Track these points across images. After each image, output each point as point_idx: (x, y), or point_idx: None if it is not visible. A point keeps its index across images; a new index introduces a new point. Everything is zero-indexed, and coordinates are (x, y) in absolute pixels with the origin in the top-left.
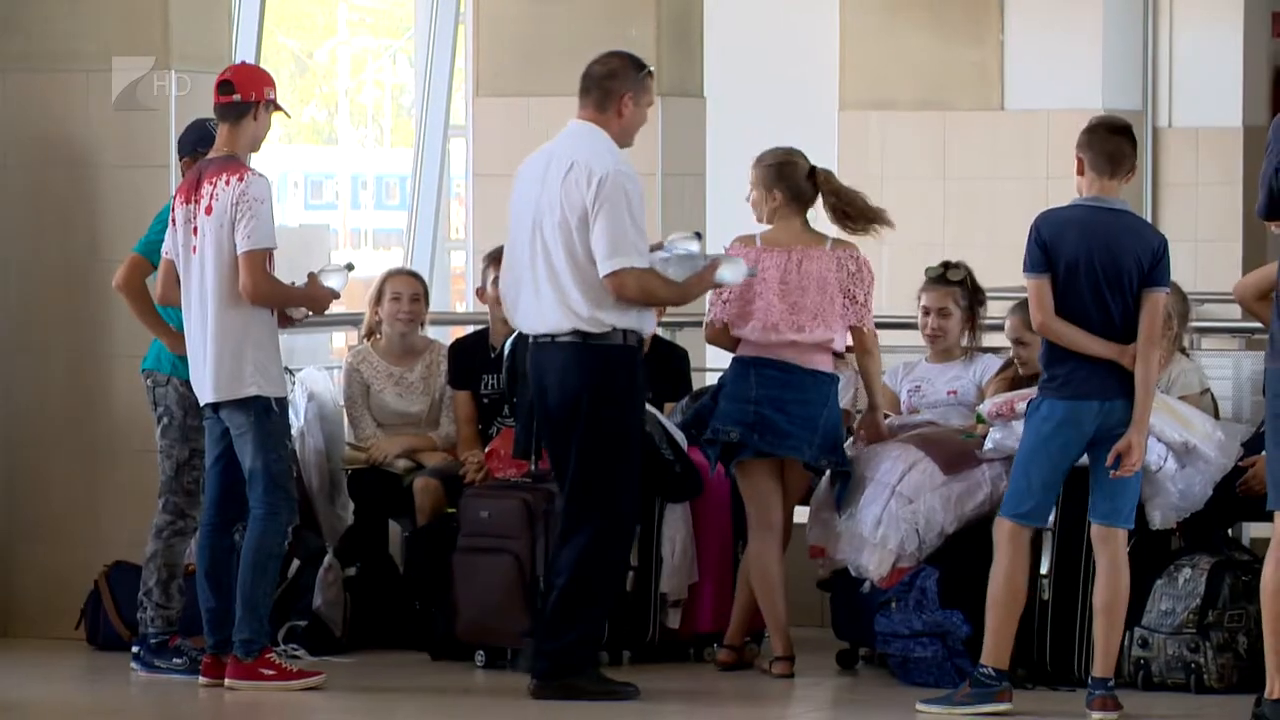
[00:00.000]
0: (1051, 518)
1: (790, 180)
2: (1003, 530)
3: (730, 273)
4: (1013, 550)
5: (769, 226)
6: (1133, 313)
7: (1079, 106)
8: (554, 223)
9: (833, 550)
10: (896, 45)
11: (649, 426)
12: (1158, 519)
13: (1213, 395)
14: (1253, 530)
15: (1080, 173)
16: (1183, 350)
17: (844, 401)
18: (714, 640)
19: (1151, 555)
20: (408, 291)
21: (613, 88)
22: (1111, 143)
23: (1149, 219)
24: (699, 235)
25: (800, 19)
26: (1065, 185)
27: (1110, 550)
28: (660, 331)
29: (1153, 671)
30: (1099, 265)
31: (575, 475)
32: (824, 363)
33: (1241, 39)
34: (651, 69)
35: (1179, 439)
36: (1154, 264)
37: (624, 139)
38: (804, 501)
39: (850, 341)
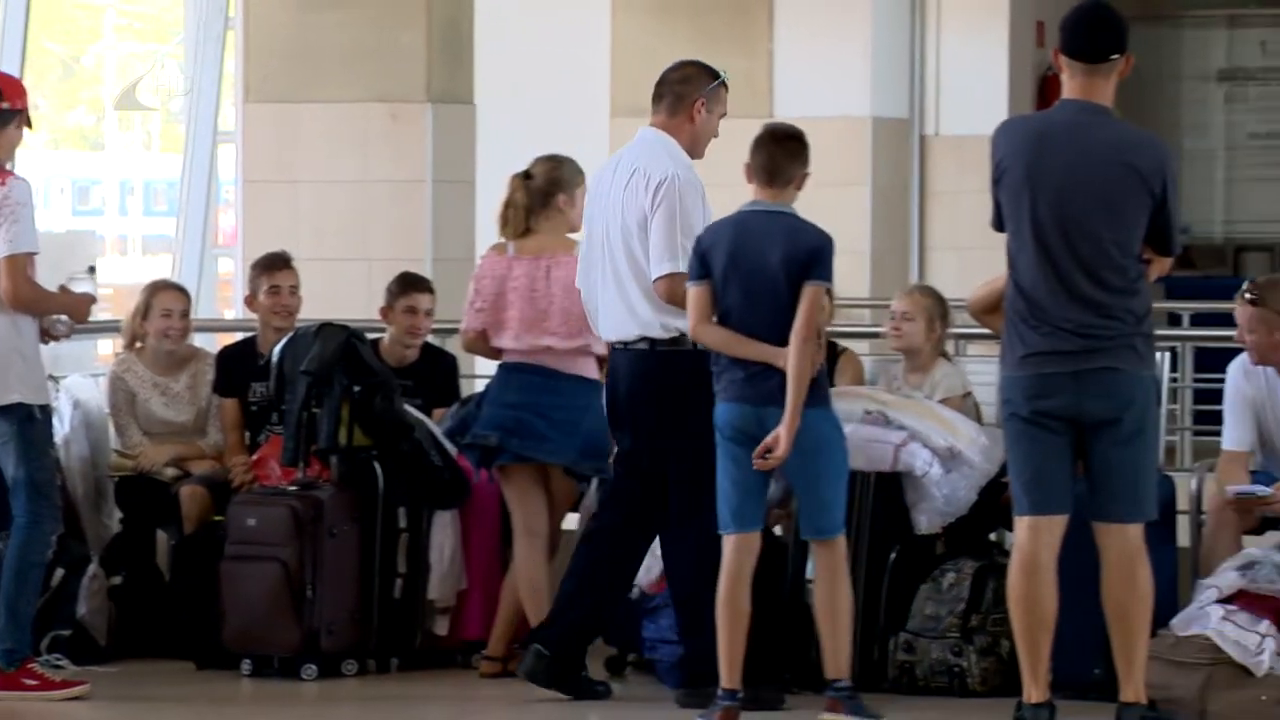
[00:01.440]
0: None
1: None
2: (726, 545)
3: None
4: (736, 564)
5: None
6: (790, 315)
7: (847, 114)
8: (618, 229)
9: None
10: (666, 53)
11: (418, 433)
12: (923, 524)
13: (975, 400)
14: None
15: (749, 180)
16: (945, 355)
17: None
18: (482, 647)
19: (916, 560)
20: (178, 308)
21: (685, 93)
22: (762, 154)
23: (915, 226)
24: None
25: (571, 26)
26: (835, 192)
27: (830, 557)
28: (430, 338)
29: (917, 675)
30: (749, 269)
31: (677, 481)
32: (587, 368)
33: (1007, 48)
34: (726, 79)
35: (944, 444)
36: (809, 262)
37: (695, 147)
38: (575, 508)
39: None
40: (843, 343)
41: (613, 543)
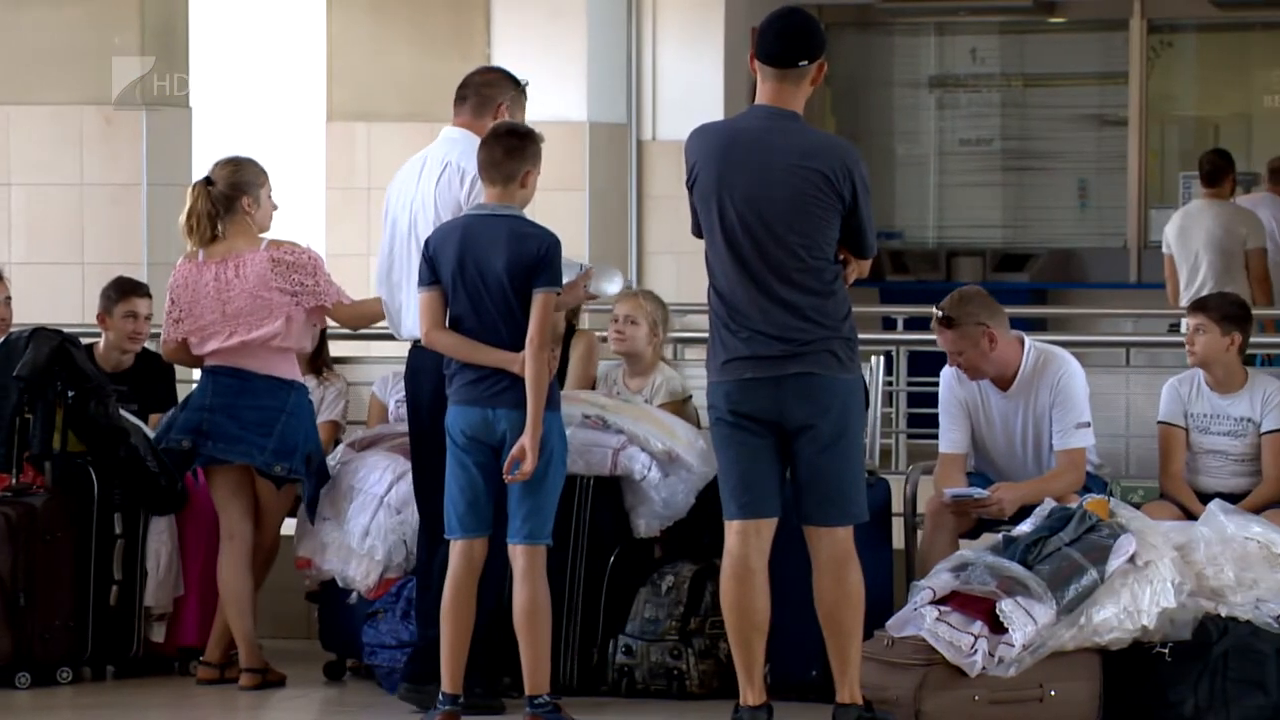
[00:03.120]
0: None
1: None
2: (453, 550)
3: (607, 284)
4: (462, 569)
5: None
6: (524, 317)
7: (565, 119)
8: (427, 223)
9: (321, 561)
10: (383, 57)
11: (134, 438)
12: (642, 527)
13: (695, 404)
14: None
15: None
16: (664, 359)
17: (335, 413)
18: (199, 653)
19: (635, 563)
20: None
21: (490, 96)
22: (484, 152)
23: (633, 230)
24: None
25: (288, 29)
26: (553, 196)
27: (533, 565)
28: (147, 344)
29: (636, 679)
30: (476, 274)
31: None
32: (284, 368)
33: (722, 54)
34: (527, 85)
35: (662, 448)
36: (535, 268)
37: None
38: (294, 512)
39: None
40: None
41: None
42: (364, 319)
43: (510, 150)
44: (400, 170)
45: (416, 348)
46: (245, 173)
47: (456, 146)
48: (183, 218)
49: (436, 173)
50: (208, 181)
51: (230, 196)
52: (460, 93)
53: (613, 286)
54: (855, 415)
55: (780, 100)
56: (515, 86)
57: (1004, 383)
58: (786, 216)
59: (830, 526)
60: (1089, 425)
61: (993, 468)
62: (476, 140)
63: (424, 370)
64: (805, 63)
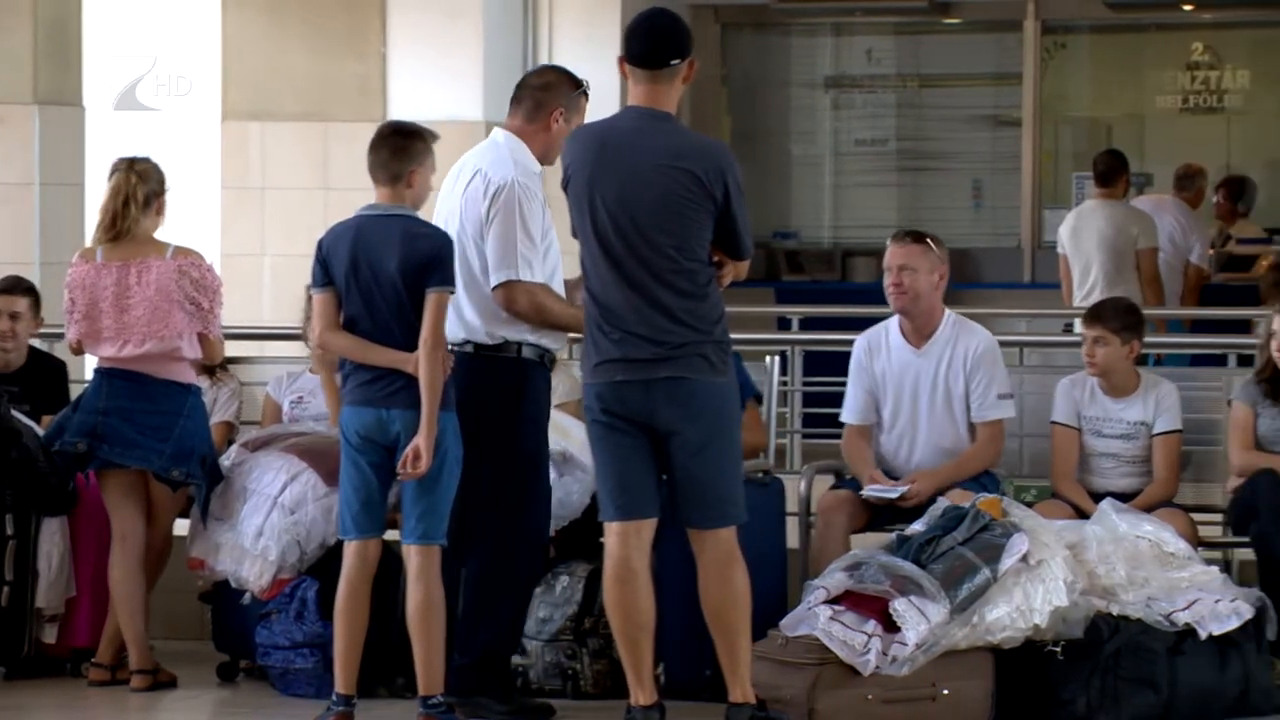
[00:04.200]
0: None
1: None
2: (347, 551)
3: None
4: (356, 570)
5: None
6: (418, 317)
7: (461, 118)
8: (454, 234)
9: (214, 562)
10: (278, 56)
11: (26, 439)
12: None
13: None
14: None
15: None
16: (560, 359)
17: (228, 414)
18: (91, 655)
19: None
20: None
21: (545, 100)
22: (371, 154)
23: None
24: None
25: (182, 29)
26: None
27: (427, 565)
28: (38, 342)
29: (531, 679)
30: (369, 275)
31: (484, 490)
32: (181, 373)
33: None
34: (588, 89)
35: (557, 448)
36: (427, 268)
37: (548, 154)
38: (186, 513)
39: (201, 351)
40: None
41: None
42: (219, 356)
43: (396, 150)
44: (449, 172)
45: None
46: (160, 173)
47: (489, 154)
48: (108, 201)
49: (466, 180)
50: (130, 175)
51: (154, 193)
52: (516, 93)
53: None
54: (728, 419)
55: (652, 101)
56: (575, 88)
57: (920, 337)
58: (657, 217)
59: (710, 529)
60: (1011, 397)
61: (897, 438)
62: (519, 147)
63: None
64: (676, 61)
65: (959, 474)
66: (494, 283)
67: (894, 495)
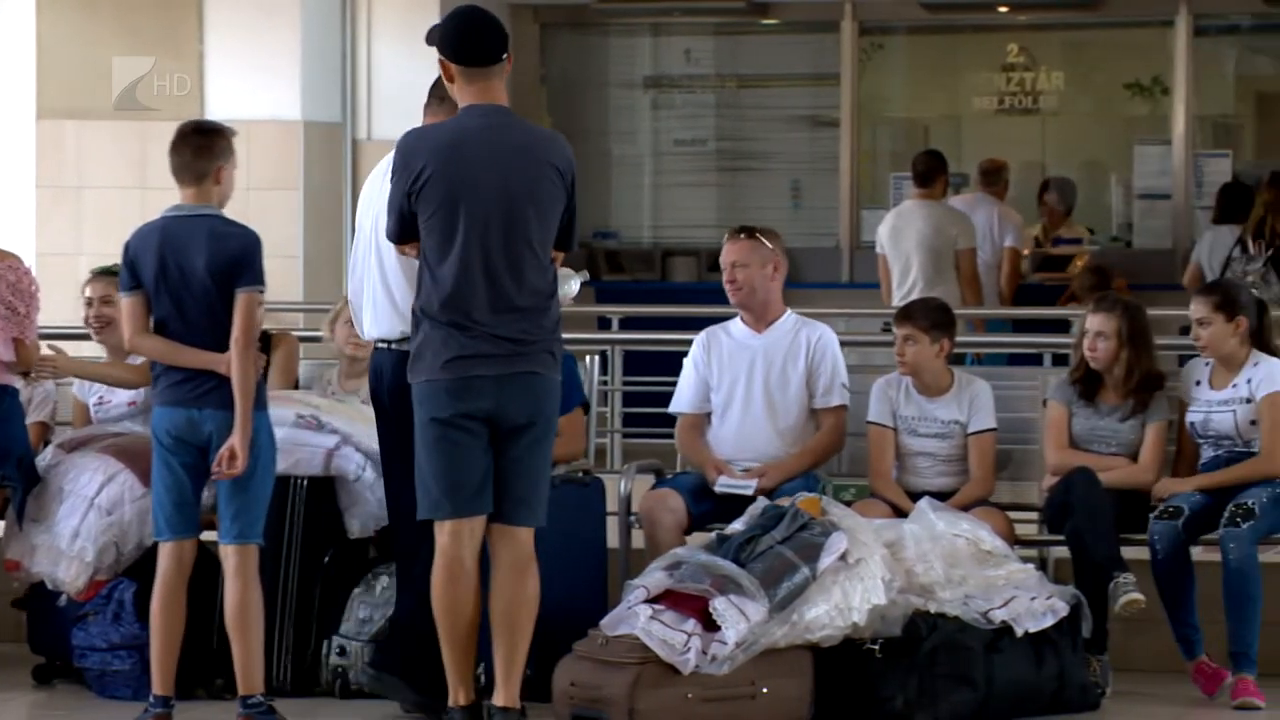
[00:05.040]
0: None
1: None
2: (162, 552)
3: (572, 284)
4: (171, 571)
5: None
6: (227, 317)
7: (279, 118)
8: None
9: (29, 564)
10: (95, 53)
11: None
12: (356, 528)
13: None
14: None
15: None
16: None
17: (43, 414)
18: None
19: (349, 564)
20: None
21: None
22: (173, 154)
23: (347, 229)
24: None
25: None
26: (267, 195)
27: (244, 565)
28: None
29: (350, 680)
30: (178, 276)
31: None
32: None
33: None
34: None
35: (376, 448)
36: (236, 267)
37: None
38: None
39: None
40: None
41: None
42: (34, 361)
43: (199, 149)
44: (374, 171)
45: (379, 347)
46: None
47: None
48: None
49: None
50: None
51: None
52: (431, 92)
53: (573, 286)
54: (556, 419)
55: (490, 97)
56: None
57: (761, 325)
58: (530, 214)
59: (516, 526)
60: (849, 389)
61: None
62: None
63: (382, 369)
64: (505, 55)
65: (806, 464)
66: None
67: (749, 490)
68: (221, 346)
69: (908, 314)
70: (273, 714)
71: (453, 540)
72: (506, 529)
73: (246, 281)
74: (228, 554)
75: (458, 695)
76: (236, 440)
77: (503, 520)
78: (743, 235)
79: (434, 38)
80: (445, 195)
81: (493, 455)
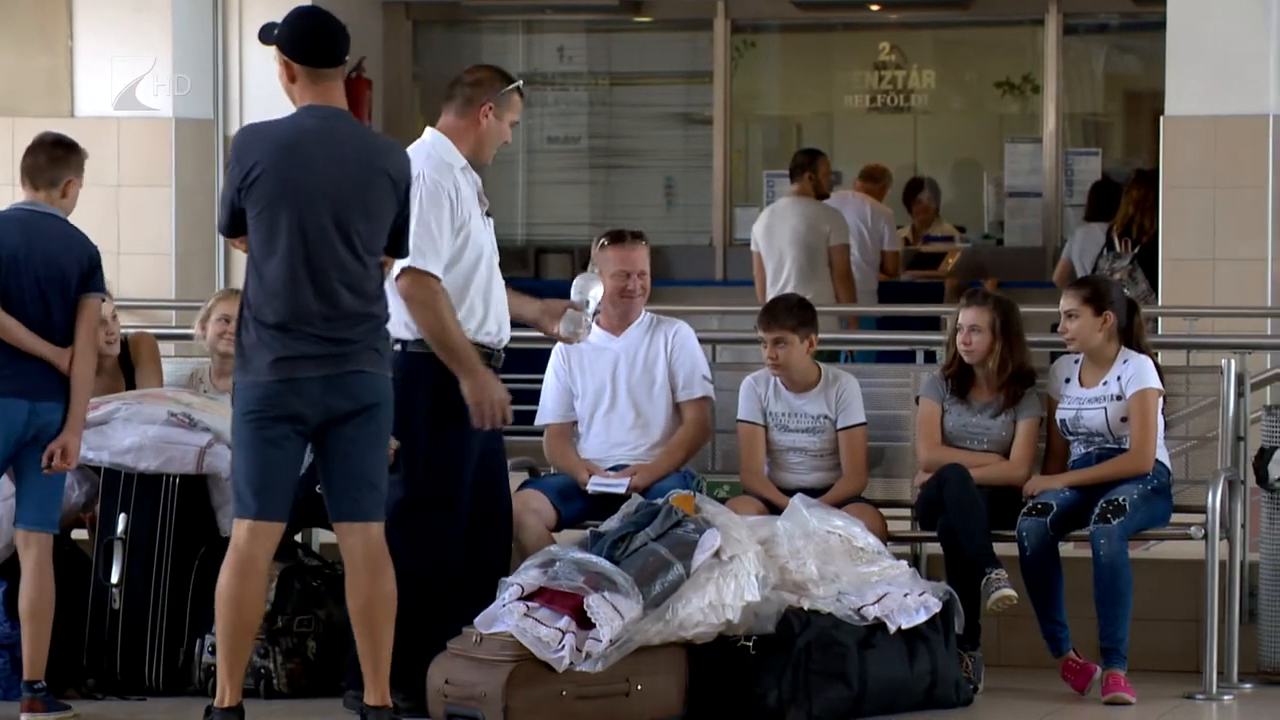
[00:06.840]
0: (121, 525)
1: None
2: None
3: (595, 288)
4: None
5: None
6: (70, 318)
7: (150, 114)
8: None
9: None
10: None
11: None
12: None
13: None
14: (322, 536)
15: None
16: None
17: None
18: None
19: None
20: None
21: (474, 96)
22: (28, 159)
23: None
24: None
25: None
26: (139, 193)
27: (35, 555)
28: None
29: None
30: (40, 263)
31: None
32: None
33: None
34: (521, 86)
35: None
36: (90, 271)
37: (481, 150)
38: None
39: None
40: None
41: None
42: None
43: (55, 159)
44: None
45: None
46: None
47: (413, 152)
48: None
49: None
50: None
51: None
52: (449, 91)
53: (598, 290)
54: (391, 415)
55: (331, 99)
56: (506, 83)
57: (621, 325)
58: (358, 218)
59: (366, 521)
60: (710, 381)
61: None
62: (442, 144)
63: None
64: (347, 56)
65: (677, 459)
66: (397, 271)
67: (620, 489)
68: (65, 343)
69: (773, 316)
70: (51, 695)
71: (250, 539)
72: (356, 525)
73: (93, 288)
74: (22, 541)
75: (224, 695)
76: (69, 435)
77: (348, 518)
78: (636, 238)
79: (271, 35)
80: (274, 193)
81: (325, 457)
